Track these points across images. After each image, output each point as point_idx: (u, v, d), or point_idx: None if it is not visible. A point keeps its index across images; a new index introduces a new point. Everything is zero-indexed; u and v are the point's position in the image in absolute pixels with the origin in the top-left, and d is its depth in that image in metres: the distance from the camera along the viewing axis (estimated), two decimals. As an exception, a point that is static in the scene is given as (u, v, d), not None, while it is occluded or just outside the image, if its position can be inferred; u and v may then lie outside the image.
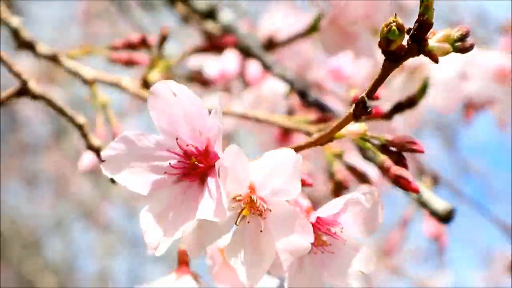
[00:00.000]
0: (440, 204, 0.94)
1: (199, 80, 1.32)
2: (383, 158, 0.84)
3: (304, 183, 0.85)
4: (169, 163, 0.78)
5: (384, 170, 0.84)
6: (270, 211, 0.76)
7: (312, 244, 0.76)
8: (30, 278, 4.20)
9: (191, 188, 0.78)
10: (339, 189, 0.95)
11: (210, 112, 0.75)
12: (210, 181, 0.75)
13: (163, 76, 1.16)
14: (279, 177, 0.74)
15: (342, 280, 0.81)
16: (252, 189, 0.75)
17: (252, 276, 0.76)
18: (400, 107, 0.96)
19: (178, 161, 0.78)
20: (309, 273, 0.80)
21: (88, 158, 1.11)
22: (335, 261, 0.81)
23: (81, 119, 1.00)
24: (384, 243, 1.48)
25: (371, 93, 0.74)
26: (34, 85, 1.01)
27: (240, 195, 0.76)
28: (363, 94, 0.74)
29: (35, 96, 1.01)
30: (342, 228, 0.80)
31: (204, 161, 0.77)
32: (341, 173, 0.93)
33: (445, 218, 0.93)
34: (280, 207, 0.76)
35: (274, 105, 1.42)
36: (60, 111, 1.02)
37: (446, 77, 1.26)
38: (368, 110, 0.75)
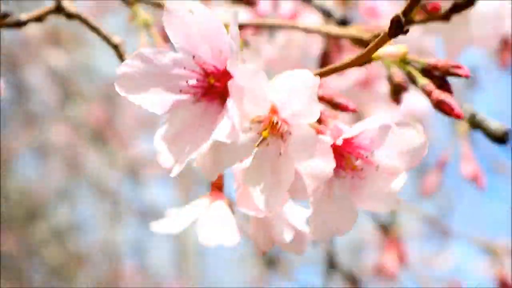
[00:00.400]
0: (495, 124, 0.91)
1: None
2: (425, 82, 0.82)
3: (346, 109, 0.83)
4: (187, 82, 0.76)
5: (426, 95, 0.81)
6: (291, 134, 0.73)
7: (342, 168, 0.75)
8: (36, 247, 4.19)
9: (210, 109, 0.75)
10: (397, 91, 0.92)
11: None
12: (229, 101, 0.72)
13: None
14: (298, 99, 0.71)
15: (371, 204, 0.79)
16: (273, 110, 0.73)
17: (269, 202, 0.73)
18: (457, 7, 0.93)
19: (197, 80, 0.76)
20: (338, 198, 0.78)
21: None
22: (366, 185, 0.78)
23: (116, 39, 0.98)
24: (421, 184, 1.45)
25: (407, 12, 0.72)
26: (68, 4, 1.01)
27: (261, 117, 0.73)
28: (399, 13, 0.72)
29: (69, 15, 1.00)
30: (373, 152, 0.76)
31: (223, 81, 0.74)
32: (399, 76, 0.89)
33: (502, 138, 0.90)
34: (301, 130, 0.73)
35: (306, 48, 1.39)
36: (95, 30, 1.00)
37: (486, 8, 1.22)
38: (404, 30, 0.72)
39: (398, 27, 0.72)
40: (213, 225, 0.79)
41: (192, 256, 3.99)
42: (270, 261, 3.76)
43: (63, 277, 4.22)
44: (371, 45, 0.77)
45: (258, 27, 1.33)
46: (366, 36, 0.93)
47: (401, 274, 1.51)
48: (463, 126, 1.37)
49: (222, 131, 0.70)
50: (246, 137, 0.72)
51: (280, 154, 0.73)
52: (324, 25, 1.02)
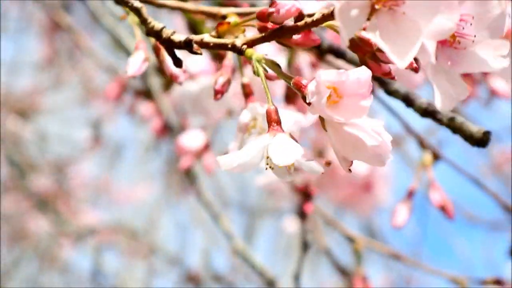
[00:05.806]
0: (474, 127, 0.91)
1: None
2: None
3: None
4: None
5: None
6: None
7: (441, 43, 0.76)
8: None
9: None
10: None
11: None
12: None
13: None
14: None
15: (480, 65, 0.80)
16: None
17: (400, 54, 0.72)
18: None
19: None
20: (444, 69, 0.78)
21: (136, 61, 0.96)
22: (467, 54, 0.79)
23: (137, 2, 0.90)
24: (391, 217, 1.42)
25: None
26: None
27: None
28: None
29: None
30: (470, 24, 0.77)
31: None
32: None
33: (482, 140, 0.90)
34: None
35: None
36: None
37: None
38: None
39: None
40: (284, 147, 0.80)
41: None
42: None
43: None
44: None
45: None
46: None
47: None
48: (428, 156, 1.37)
49: None
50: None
51: (403, 13, 0.72)
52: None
